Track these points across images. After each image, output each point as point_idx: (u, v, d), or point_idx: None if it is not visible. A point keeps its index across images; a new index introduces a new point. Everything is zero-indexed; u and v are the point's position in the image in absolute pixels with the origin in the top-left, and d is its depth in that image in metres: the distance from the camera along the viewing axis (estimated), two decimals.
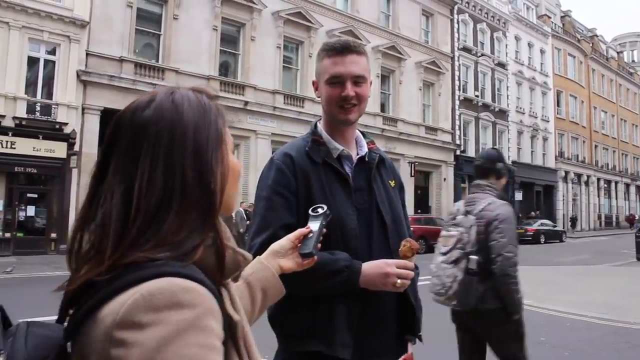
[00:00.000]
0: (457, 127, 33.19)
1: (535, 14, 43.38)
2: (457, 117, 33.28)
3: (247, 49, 22.66)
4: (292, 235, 1.41)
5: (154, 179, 0.85)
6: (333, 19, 25.90)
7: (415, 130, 30.06)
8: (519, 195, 37.08)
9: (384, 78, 28.93)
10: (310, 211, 1.47)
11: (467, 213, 3.42)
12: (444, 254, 3.35)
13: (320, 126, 1.97)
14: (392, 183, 2.01)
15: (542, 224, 32.50)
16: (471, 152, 34.08)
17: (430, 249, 23.44)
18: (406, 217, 2.03)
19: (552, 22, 45.39)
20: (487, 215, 3.33)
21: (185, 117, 0.91)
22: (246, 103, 22.06)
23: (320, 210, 1.47)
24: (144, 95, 0.95)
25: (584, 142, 48.12)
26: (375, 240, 1.84)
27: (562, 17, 49.25)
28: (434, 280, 3.34)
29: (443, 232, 3.48)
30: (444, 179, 31.86)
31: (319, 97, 1.95)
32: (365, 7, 27.72)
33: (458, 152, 32.88)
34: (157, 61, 20.29)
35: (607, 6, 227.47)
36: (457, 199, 32.34)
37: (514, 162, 37.97)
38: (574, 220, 43.70)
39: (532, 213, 37.38)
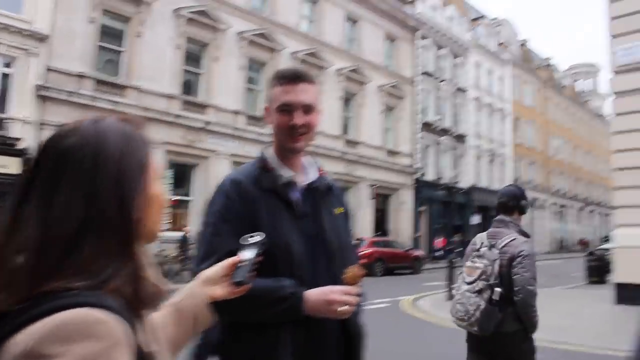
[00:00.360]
0: (417, 151, 33.61)
1: (495, 42, 44.49)
2: (417, 141, 33.71)
3: (210, 69, 22.60)
4: (224, 264, 1.38)
5: (73, 206, 0.85)
6: (297, 40, 26.02)
7: (376, 153, 30.33)
8: (476, 219, 37.69)
9: (346, 101, 29.15)
10: (241, 240, 1.44)
11: (491, 247, 3.67)
12: (469, 283, 3.65)
13: (269, 152, 1.98)
14: (339, 210, 2.03)
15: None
16: (430, 176, 34.55)
17: (388, 271, 23.68)
18: (352, 244, 2.07)
19: (511, 51, 46.62)
20: (511, 250, 3.59)
21: (108, 146, 0.91)
22: (207, 123, 21.94)
23: (252, 240, 1.45)
24: (68, 125, 0.95)
25: (539, 167, 49.33)
26: (320, 267, 1.85)
27: (520, 45, 50.61)
28: (457, 307, 3.67)
29: (468, 263, 3.77)
30: (403, 202, 32.14)
31: (270, 123, 1.97)
32: (329, 30, 27.95)
33: (417, 176, 33.24)
34: (119, 78, 20.02)
35: (563, 37, 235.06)
36: (416, 222, 32.76)
37: (472, 186, 38.66)
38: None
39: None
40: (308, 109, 1.91)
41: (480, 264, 3.63)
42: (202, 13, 22.04)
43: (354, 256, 2.04)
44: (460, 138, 38.27)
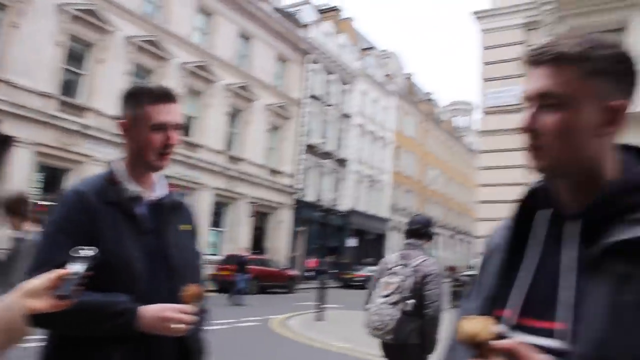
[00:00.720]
0: (299, 172, 34.10)
1: (382, 73, 46.28)
2: (299, 162, 34.22)
3: (94, 71, 21.69)
4: (49, 275, 1.33)
5: None
6: (188, 52, 25.63)
7: (258, 171, 30.40)
8: (353, 242, 38.73)
9: (232, 117, 29.06)
10: (71, 252, 1.40)
11: (404, 265, 4.22)
12: (385, 296, 4.18)
13: (119, 166, 1.95)
14: (185, 227, 2.03)
15: (370, 270, 34.03)
16: (310, 197, 35.12)
17: (262, 289, 23.67)
18: (197, 262, 2.07)
19: (397, 82, 48.68)
20: (423, 269, 4.15)
21: None
22: (85, 127, 21.01)
23: (83, 253, 1.41)
24: None
25: (415, 195, 51.65)
26: (161, 284, 1.84)
27: (405, 78, 52.95)
28: (373, 318, 4.20)
29: (384, 279, 4.28)
30: (282, 222, 32.41)
31: (128, 138, 1.93)
32: (221, 44, 27.81)
33: (298, 196, 33.69)
34: None
35: (444, 74, 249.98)
36: (294, 242, 33.10)
37: (350, 210, 39.73)
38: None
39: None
40: (177, 128, 1.94)
41: (395, 279, 4.18)
42: (89, 12, 21.14)
43: (198, 274, 2.03)
44: (342, 162, 39.30)
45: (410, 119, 50.87)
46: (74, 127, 20.52)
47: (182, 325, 1.73)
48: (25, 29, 19.10)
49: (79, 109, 21.16)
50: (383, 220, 44.98)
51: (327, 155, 37.26)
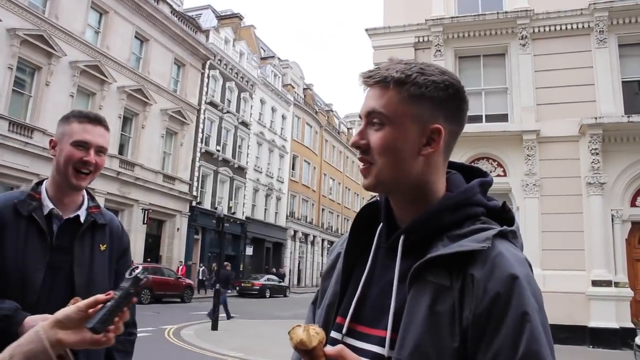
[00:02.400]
0: (195, 179, 33.51)
1: (281, 82, 46.63)
2: (196, 169, 33.65)
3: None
4: (83, 303, 1.16)
5: None
6: (79, 50, 24.45)
7: (153, 177, 29.51)
8: (249, 250, 38.59)
9: (126, 120, 28.04)
10: (126, 273, 1.21)
11: None
12: None
13: (45, 183, 2.04)
14: (103, 247, 2.07)
15: (268, 279, 34.12)
16: (207, 204, 34.61)
17: (156, 299, 22.95)
18: (106, 280, 2.07)
19: (296, 92, 49.22)
20: None
21: None
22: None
23: (133, 273, 1.20)
24: None
25: (313, 204, 52.28)
26: (59, 299, 1.81)
27: (304, 89, 53.68)
28: None
29: None
30: (178, 229, 31.64)
31: (53, 155, 2.01)
32: (116, 44, 26.79)
33: (194, 203, 33.08)
34: None
35: (344, 87, 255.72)
36: (189, 249, 32.40)
37: (247, 218, 39.54)
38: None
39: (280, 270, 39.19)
40: (101, 151, 2.03)
41: None
42: None
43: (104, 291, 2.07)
44: (240, 170, 39.09)
45: (309, 129, 51.56)
46: None
47: None
48: None
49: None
50: (281, 229, 45.14)
51: (224, 162, 36.91)
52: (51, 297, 1.87)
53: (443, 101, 1.14)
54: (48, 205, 1.98)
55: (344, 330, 1.17)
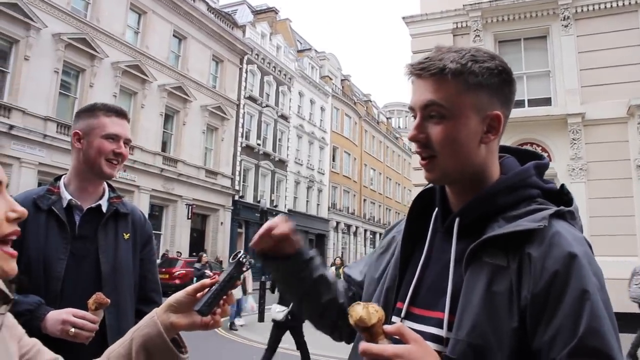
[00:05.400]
0: (237, 173, 33.86)
1: (319, 74, 46.58)
2: (237, 163, 33.99)
3: (18, 69, 20.80)
4: (191, 287, 1.20)
5: None
6: (120, 51, 25.03)
7: (196, 172, 30.01)
8: None
9: (168, 117, 28.56)
10: (230, 258, 1.26)
11: None
12: None
13: (65, 177, 2.12)
14: (126, 236, 2.14)
15: None
16: (249, 198, 34.94)
17: None
18: (130, 268, 2.13)
19: (333, 84, 49.10)
20: None
21: None
22: (11, 127, 20.13)
23: (236, 258, 1.24)
24: None
25: (354, 195, 52.17)
26: (85, 287, 1.91)
27: (342, 80, 53.50)
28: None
29: None
30: (221, 223, 32.10)
31: (79, 148, 2.08)
32: (155, 43, 27.27)
33: (236, 197, 33.44)
34: None
35: (382, 76, 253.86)
36: (232, 243, 32.83)
37: (290, 211, 39.73)
38: None
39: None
40: (127, 142, 2.15)
41: None
42: (13, 6, 20.14)
43: (130, 280, 2.12)
44: (281, 163, 39.30)
45: (347, 120, 51.38)
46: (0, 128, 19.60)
47: (83, 332, 1.77)
48: None
49: (5, 109, 20.22)
50: (323, 221, 45.24)
51: (265, 156, 37.17)
52: (77, 286, 1.94)
53: (498, 87, 1.15)
54: (66, 197, 2.06)
55: (403, 314, 1.19)
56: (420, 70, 1.15)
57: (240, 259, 1.22)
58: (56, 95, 22.11)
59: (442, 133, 1.12)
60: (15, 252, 1.01)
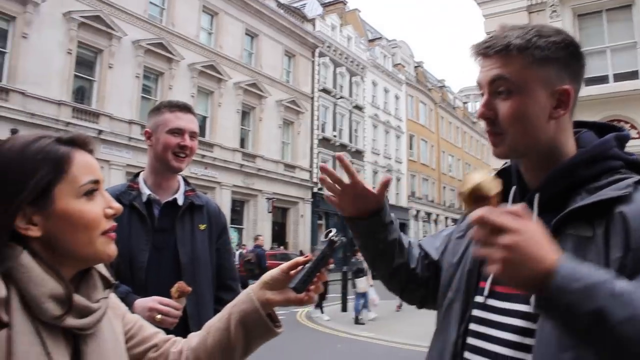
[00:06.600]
0: (314, 165, 34.15)
1: (391, 62, 46.15)
2: (315, 156, 34.26)
3: (104, 76, 21.88)
4: (286, 265, 1.25)
5: None
6: (195, 52, 25.83)
7: (274, 167, 30.53)
8: None
9: (245, 114, 29.18)
10: (322, 237, 1.28)
11: None
12: None
13: (142, 173, 2.25)
14: (202, 227, 2.24)
15: None
16: (328, 190, 35.05)
17: None
18: (208, 259, 2.23)
19: (407, 71, 48.51)
20: None
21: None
22: (100, 132, 21.22)
23: (328, 236, 1.26)
24: None
25: (433, 183, 51.44)
26: (166, 276, 2.02)
27: (415, 67, 52.75)
28: None
29: None
30: (301, 216, 32.50)
31: (150, 145, 2.21)
32: (228, 43, 27.93)
33: (315, 190, 33.74)
34: (1, 81, 18.85)
35: (456, 61, 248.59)
36: (314, 234, 33.16)
37: None
38: None
39: None
40: (193, 135, 2.23)
41: None
42: (96, 18, 21.31)
43: (209, 270, 2.22)
44: (358, 154, 39.27)
45: (423, 107, 50.68)
46: (90, 133, 20.55)
47: (168, 318, 1.88)
48: (33, 39, 19.27)
49: (93, 115, 21.35)
50: (403, 210, 44.89)
51: (342, 147, 37.22)
52: (159, 276, 2.05)
53: (566, 61, 1.12)
54: (146, 192, 2.17)
55: (486, 292, 1.18)
56: (486, 49, 1.14)
57: (332, 238, 1.24)
58: (138, 99, 23.13)
59: (511, 109, 1.11)
60: (114, 235, 1.10)
